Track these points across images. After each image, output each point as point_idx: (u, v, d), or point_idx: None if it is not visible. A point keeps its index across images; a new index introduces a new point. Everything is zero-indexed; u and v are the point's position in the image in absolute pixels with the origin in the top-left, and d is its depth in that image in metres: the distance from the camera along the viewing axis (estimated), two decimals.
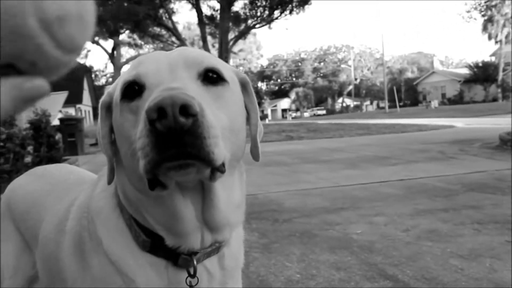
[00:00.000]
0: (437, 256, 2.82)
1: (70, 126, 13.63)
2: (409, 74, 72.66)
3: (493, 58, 48.93)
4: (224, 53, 23.71)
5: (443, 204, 4.24)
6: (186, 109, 0.64)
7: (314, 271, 2.64)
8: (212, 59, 0.84)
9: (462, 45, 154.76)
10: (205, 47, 24.64)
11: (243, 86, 0.92)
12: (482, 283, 2.37)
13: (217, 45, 27.70)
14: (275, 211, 4.33)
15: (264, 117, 57.49)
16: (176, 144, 0.65)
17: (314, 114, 64.50)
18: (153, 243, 0.86)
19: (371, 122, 24.11)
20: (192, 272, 0.86)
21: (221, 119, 0.75)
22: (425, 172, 6.33)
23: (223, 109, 0.78)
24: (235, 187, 0.89)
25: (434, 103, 44.60)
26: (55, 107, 15.63)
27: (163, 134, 0.65)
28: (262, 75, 75.42)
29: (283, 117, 67.74)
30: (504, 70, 44.31)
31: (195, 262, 0.86)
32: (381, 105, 65.56)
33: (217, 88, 0.80)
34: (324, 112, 67.31)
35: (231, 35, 24.83)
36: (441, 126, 17.85)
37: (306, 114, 65.22)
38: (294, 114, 66.37)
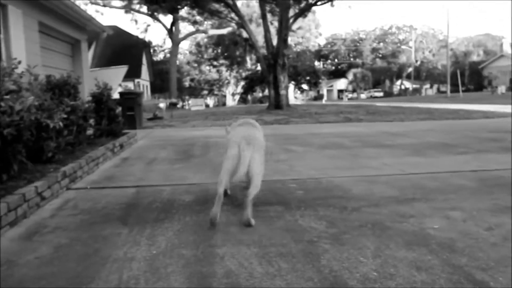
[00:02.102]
0: None
1: (129, 100, 13.86)
2: (474, 58, 69.22)
3: None
4: (284, 31, 23.34)
5: None
6: None
7: (392, 270, 2.43)
8: None
9: None
10: (265, 24, 24.32)
11: None
12: None
13: (276, 23, 27.31)
14: (342, 197, 4.12)
15: (320, 97, 56.65)
16: None
17: (371, 96, 62.96)
18: None
19: (433, 107, 23.16)
20: None
21: None
22: (499, 163, 5.88)
23: None
24: None
25: (501, 89, 42.34)
26: (115, 80, 15.93)
27: None
28: (320, 54, 74.05)
29: (339, 97, 66.54)
30: None
31: None
32: (442, 89, 63.01)
33: None
34: (381, 94, 65.58)
35: (291, 13, 24.34)
36: (509, 113, 16.81)
37: (362, 96, 63.78)
38: (350, 95, 65.05)
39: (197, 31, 49.40)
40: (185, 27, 51.07)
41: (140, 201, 4.18)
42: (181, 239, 3.04)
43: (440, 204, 3.83)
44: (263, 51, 26.12)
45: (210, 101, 49.73)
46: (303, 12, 25.95)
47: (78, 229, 3.36)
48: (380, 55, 74.51)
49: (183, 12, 39.79)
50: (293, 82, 51.45)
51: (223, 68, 56.52)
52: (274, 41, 24.39)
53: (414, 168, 5.70)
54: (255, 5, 39.73)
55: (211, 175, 5.39)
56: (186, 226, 3.35)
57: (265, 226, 3.31)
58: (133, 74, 35.87)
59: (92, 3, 41.69)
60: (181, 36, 50.02)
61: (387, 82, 71.42)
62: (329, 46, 77.52)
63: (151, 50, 54.57)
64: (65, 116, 5.51)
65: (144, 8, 39.77)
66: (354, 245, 2.84)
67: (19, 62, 5.13)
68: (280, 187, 4.66)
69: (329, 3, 24.19)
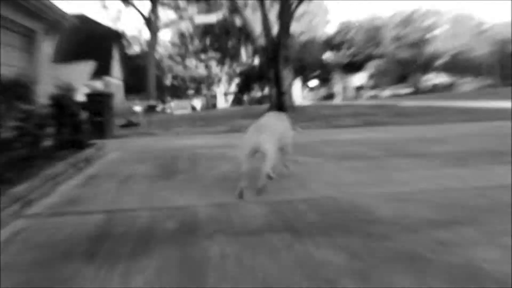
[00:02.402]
0: None
1: (98, 103, 13.80)
2: None
3: None
4: (286, 18, 23.36)
5: None
6: None
7: None
8: None
9: None
10: (263, 9, 24.37)
11: None
12: None
13: (276, 7, 27.40)
14: (366, 221, 4.02)
15: (331, 95, 56.82)
16: None
17: (396, 94, 63.18)
18: None
19: (474, 105, 23.16)
20: None
21: None
22: None
23: None
24: None
25: None
26: (80, 79, 15.93)
27: None
28: (330, 44, 74.25)
29: (356, 96, 66.72)
30: None
31: None
32: (483, 83, 63.36)
33: None
34: (408, 91, 65.79)
35: None
36: None
37: (385, 93, 64.01)
38: (370, 93, 65.19)
39: (181, 18, 49.65)
40: (166, 15, 51.33)
41: (111, 231, 4.08)
42: (163, 279, 2.95)
43: (491, 228, 3.73)
44: (262, 41, 26.17)
45: (198, 103, 49.82)
46: None
47: (31, 269, 3.26)
48: (404, 45, 74.79)
49: None
50: (299, 78, 51.64)
51: (213, 63, 56.73)
52: (275, 30, 24.43)
53: (456, 182, 5.62)
54: None
55: (201, 196, 5.30)
56: (169, 262, 3.26)
57: (269, 260, 3.21)
58: (102, 71, 35.92)
59: None
60: (161, 25, 50.24)
61: (415, 76, 71.69)
62: (341, 34, 77.80)
63: (125, 42, 54.73)
64: (16, 124, 5.43)
65: None
66: (384, 284, 2.73)
67: None
68: (288, 209, 4.56)
69: None
